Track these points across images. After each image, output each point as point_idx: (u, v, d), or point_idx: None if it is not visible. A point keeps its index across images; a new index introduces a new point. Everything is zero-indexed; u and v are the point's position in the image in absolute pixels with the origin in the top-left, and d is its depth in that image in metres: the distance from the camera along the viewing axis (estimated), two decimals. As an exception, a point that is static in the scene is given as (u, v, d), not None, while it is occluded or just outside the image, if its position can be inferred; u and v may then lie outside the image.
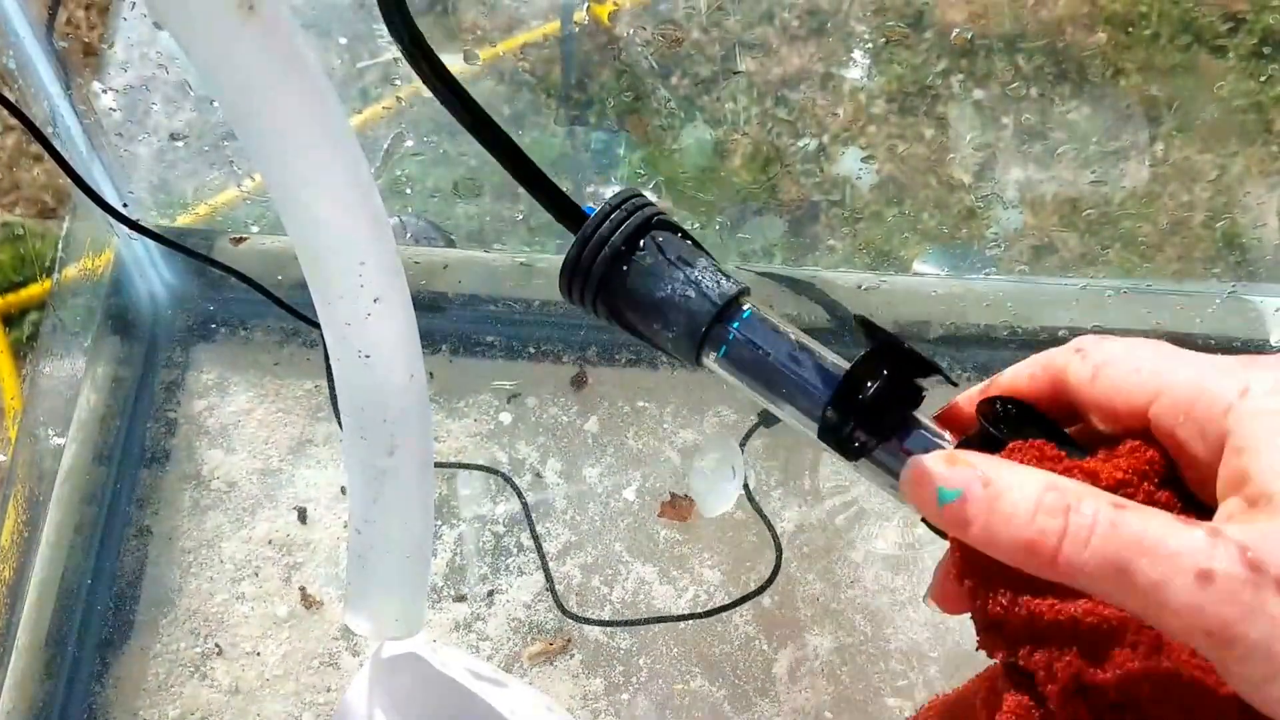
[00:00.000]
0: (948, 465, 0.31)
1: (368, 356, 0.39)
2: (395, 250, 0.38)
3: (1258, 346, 0.80)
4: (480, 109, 0.37)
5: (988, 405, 0.35)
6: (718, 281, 0.37)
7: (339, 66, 0.80)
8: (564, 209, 0.38)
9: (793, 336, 0.37)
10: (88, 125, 0.72)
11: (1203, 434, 0.30)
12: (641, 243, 0.38)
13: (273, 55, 0.32)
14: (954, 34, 0.73)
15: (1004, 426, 0.33)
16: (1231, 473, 0.29)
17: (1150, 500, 0.31)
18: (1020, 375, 0.35)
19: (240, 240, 0.79)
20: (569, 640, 0.70)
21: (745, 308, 0.37)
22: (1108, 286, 0.79)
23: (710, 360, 0.38)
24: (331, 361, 0.40)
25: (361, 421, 0.41)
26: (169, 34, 0.32)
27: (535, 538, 0.73)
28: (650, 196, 0.81)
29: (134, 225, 0.66)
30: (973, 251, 0.80)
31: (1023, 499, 0.29)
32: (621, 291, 0.37)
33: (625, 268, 0.37)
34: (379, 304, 0.38)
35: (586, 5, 0.78)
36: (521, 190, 0.84)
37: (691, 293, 0.37)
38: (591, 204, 0.84)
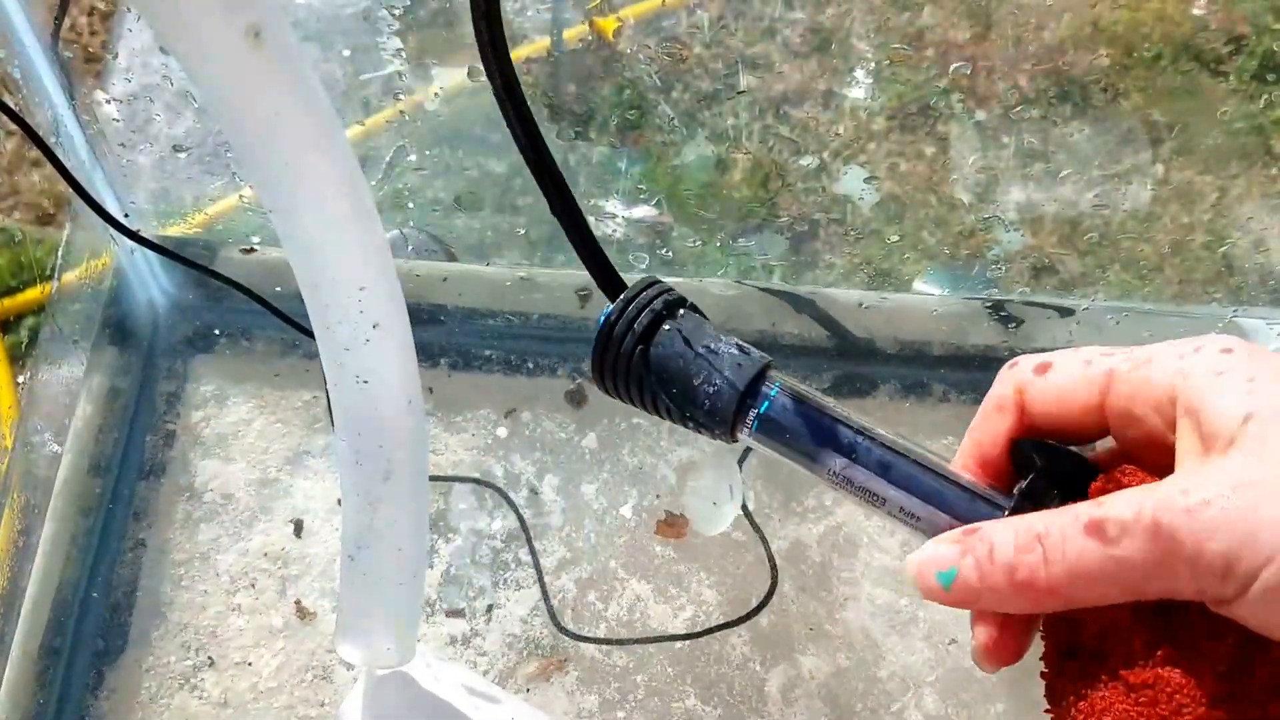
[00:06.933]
0: (934, 547, 0.33)
1: (365, 382, 0.39)
2: (395, 276, 0.38)
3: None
4: (546, 150, 0.37)
5: (1019, 453, 0.35)
6: (743, 357, 0.38)
7: (342, 78, 0.80)
8: (609, 279, 0.39)
9: (825, 405, 0.38)
10: (90, 135, 0.72)
11: (1157, 407, 0.31)
12: (665, 326, 0.38)
13: (278, 83, 0.32)
14: (952, 70, 0.73)
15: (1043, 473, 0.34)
16: (1184, 430, 0.31)
17: None
18: (985, 429, 0.36)
19: (250, 251, 0.79)
20: (565, 659, 0.70)
21: (774, 381, 0.38)
22: (1108, 309, 0.79)
23: (745, 435, 0.38)
24: (329, 386, 0.40)
25: (358, 446, 0.41)
26: (175, 59, 0.32)
27: (533, 554, 0.72)
28: (652, 210, 0.81)
29: (134, 236, 0.66)
30: (974, 272, 0.80)
31: (1003, 547, 0.31)
32: (650, 375, 0.38)
33: (649, 352, 0.38)
34: (378, 330, 0.38)
35: (589, 20, 0.78)
36: (521, 202, 0.84)
37: (718, 373, 0.38)
38: (592, 217, 0.83)
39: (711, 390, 0.38)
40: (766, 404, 0.38)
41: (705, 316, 0.40)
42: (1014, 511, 0.35)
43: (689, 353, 0.38)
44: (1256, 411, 0.29)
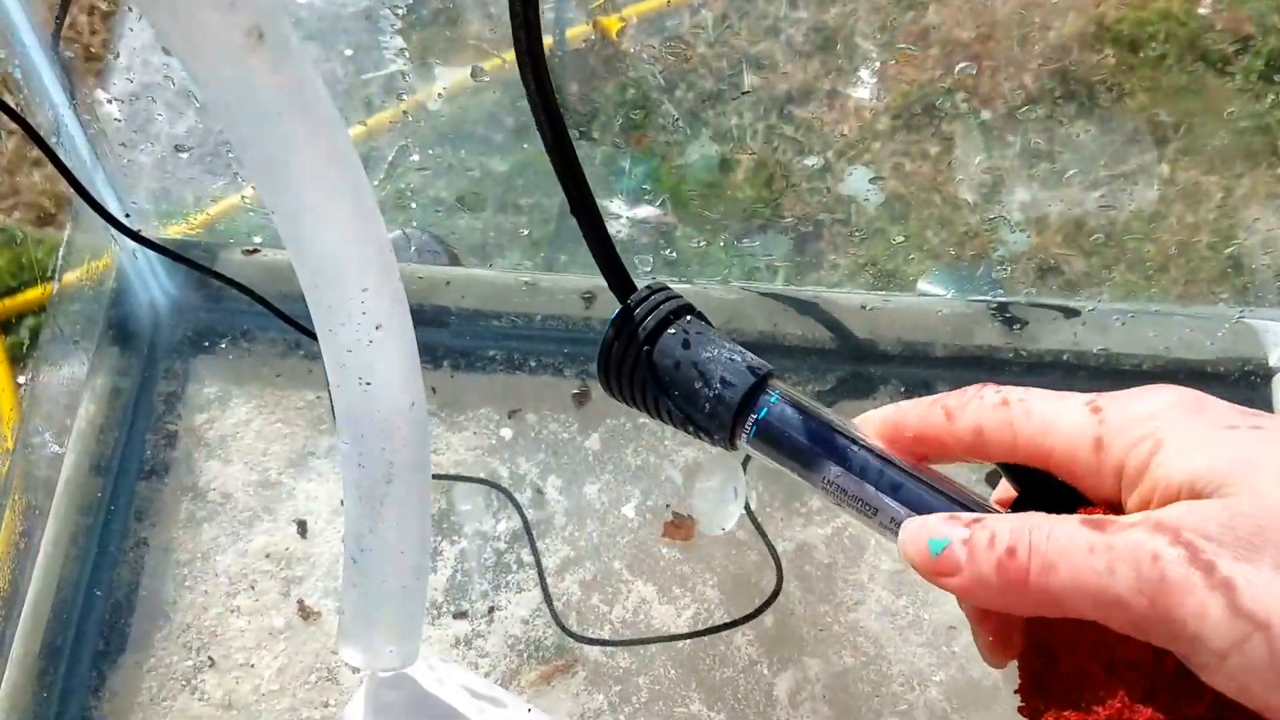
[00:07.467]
0: (938, 521, 0.33)
1: (368, 384, 0.39)
2: (398, 277, 0.38)
3: (1266, 371, 0.80)
4: (572, 150, 0.37)
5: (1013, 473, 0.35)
6: (745, 364, 0.38)
7: (344, 77, 0.79)
8: (620, 282, 0.39)
9: (826, 415, 0.38)
10: (91, 134, 0.72)
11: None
12: (671, 329, 0.39)
13: (281, 84, 0.31)
14: (957, 69, 0.73)
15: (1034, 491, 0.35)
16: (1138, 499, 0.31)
17: None
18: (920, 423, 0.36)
19: (253, 252, 0.79)
20: (570, 662, 0.69)
21: (775, 391, 0.38)
22: (1115, 310, 0.78)
23: (743, 441, 0.39)
24: (331, 388, 0.40)
25: (360, 448, 0.41)
26: (177, 60, 0.32)
27: (536, 555, 0.72)
28: (655, 210, 0.80)
29: (136, 236, 0.66)
30: (978, 273, 0.79)
31: (990, 536, 0.31)
32: (653, 378, 0.39)
33: (654, 354, 0.39)
34: (380, 331, 0.38)
35: (593, 19, 0.77)
36: (524, 202, 0.84)
37: (719, 378, 0.38)
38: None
39: (713, 394, 0.38)
40: (766, 410, 0.38)
41: (711, 324, 0.40)
42: None
43: (692, 357, 0.38)
44: (1225, 480, 0.28)
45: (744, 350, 0.39)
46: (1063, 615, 0.30)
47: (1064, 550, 0.29)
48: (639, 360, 0.38)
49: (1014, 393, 0.34)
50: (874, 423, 0.37)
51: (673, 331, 0.39)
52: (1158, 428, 0.30)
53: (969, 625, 0.36)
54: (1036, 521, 0.31)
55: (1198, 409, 0.30)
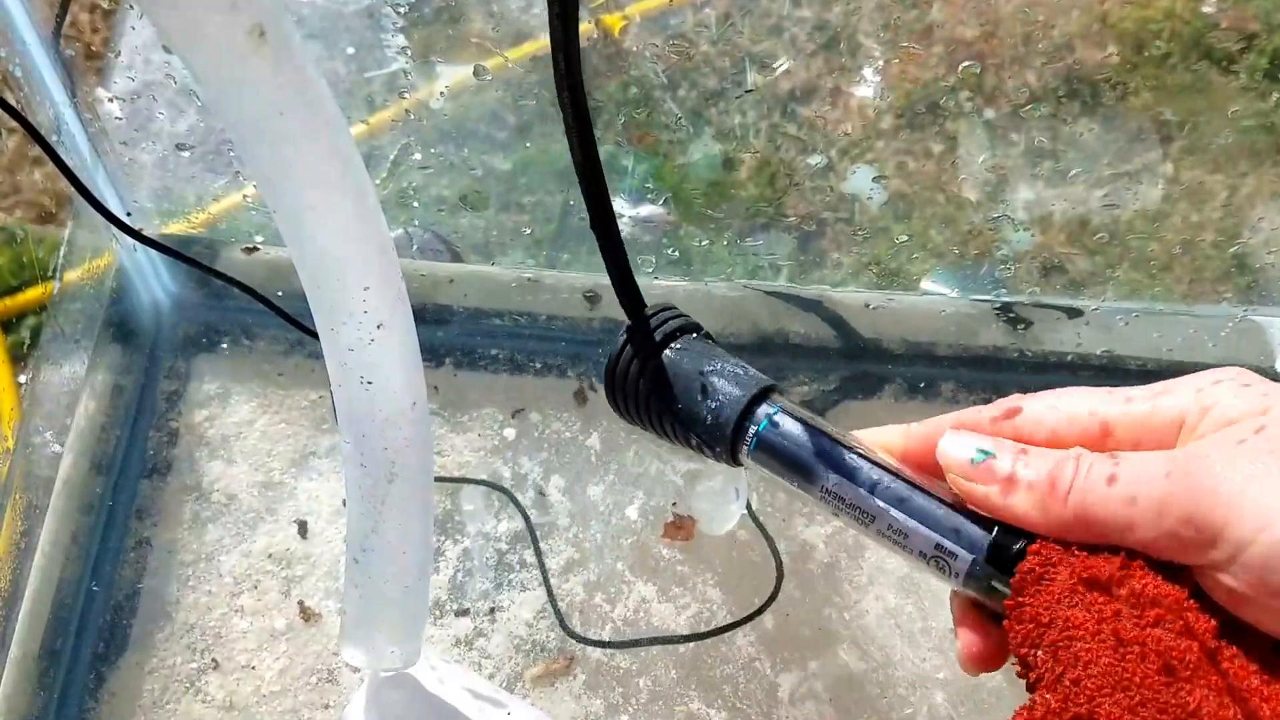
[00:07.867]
0: (984, 436, 0.35)
1: (370, 383, 0.39)
2: (400, 277, 0.38)
3: (1271, 371, 0.80)
4: (597, 161, 0.37)
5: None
6: (748, 379, 0.39)
7: (346, 76, 0.79)
8: (631, 298, 0.40)
9: (825, 426, 0.39)
10: (92, 133, 0.71)
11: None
12: (677, 344, 0.40)
13: (283, 83, 0.31)
14: (961, 68, 0.72)
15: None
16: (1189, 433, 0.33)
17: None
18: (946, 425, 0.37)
19: (252, 250, 0.79)
20: (570, 661, 0.69)
21: (775, 404, 0.39)
22: (1118, 310, 0.78)
23: (745, 455, 0.39)
24: (333, 387, 0.40)
25: (362, 448, 0.40)
26: (179, 59, 0.31)
27: (539, 555, 0.72)
28: (658, 209, 0.80)
29: (137, 235, 0.65)
30: (981, 271, 0.79)
31: (1035, 456, 0.34)
32: (658, 392, 0.40)
33: (660, 369, 0.40)
34: (382, 330, 0.38)
35: (595, 18, 0.77)
36: (526, 201, 0.83)
37: (721, 391, 0.39)
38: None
39: (714, 406, 0.39)
40: (766, 422, 0.38)
41: (716, 342, 0.41)
42: (1001, 530, 0.35)
43: (696, 371, 0.39)
44: (1272, 406, 0.31)
45: (748, 366, 0.40)
46: (1089, 539, 0.32)
47: (1103, 474, 0.32)
48: (644, 375, 0.39)
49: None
50: (915, 433, 0.38)
51: (679, 346, 0.39)
52: (1215, 384, 0.33)
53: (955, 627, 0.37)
54: (1080, 450, 0.33)
55: (1253, 377, 0.34)
